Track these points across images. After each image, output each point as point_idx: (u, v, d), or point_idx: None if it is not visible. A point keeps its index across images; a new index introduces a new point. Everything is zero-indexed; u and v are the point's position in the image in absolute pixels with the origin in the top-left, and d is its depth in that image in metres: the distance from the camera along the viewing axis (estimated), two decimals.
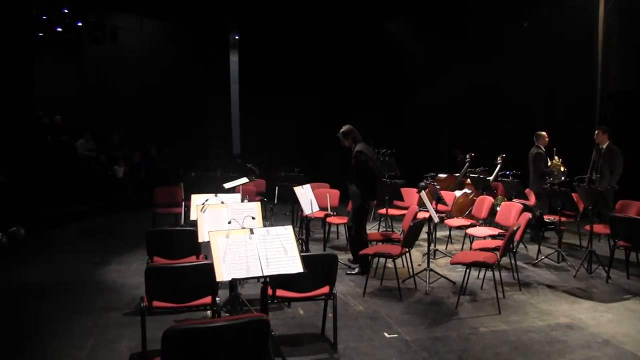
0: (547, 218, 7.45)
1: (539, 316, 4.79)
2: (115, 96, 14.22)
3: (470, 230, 6.70)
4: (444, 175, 9.60)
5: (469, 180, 8.79)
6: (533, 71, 10.19)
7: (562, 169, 7.83)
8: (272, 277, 3.42)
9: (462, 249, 7.20)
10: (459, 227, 7.23)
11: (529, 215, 5.64)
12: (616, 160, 7.30)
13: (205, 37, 15.95)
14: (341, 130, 6.24)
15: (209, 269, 3.29)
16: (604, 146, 7.42)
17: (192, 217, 5.08)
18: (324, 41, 14.00)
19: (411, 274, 5.75)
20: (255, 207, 4.64)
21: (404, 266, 6.12)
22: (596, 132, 7.57)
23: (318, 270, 3.93)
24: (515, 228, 5.18)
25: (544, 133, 8.02)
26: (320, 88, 13.83)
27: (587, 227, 6.37)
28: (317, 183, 8.20)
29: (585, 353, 4.00)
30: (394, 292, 5.38)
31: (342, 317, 4.56)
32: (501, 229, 6.63)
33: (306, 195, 6.40)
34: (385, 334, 4.35)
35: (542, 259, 6.67)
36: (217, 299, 3.80)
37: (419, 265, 6.30)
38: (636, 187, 7.56)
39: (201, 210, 4.53)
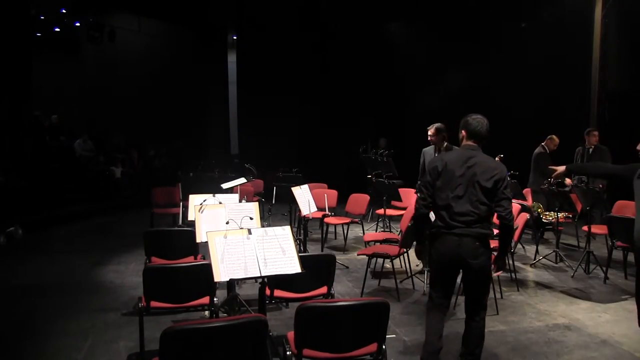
0: (544, 218, 7.44)
1: (536, 317, 4.80)
2: (114, 96, 14.20)
3: None
4: None
5: None
6: (531, 72, 10.20)
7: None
8: (270, 277, 3.42)
9: None
10: None
11: (526, 215, 5.65)
12: (606, 159, 7.31)
13: (203, 38, 15.95)
14: (438, 126, 5.92)
15: (207, 269, 3.29)
16: (592, 147, 7.42)
17: (190, 218, 5.04)
18: (322, 41, 14.02)
19: (409, 274, 5.76)
20: (253, 208, 4.64)
21: (401, 266, 6.12)
22: (586, 133, 7.55)
23: (316, 270, 3.92)
24: None
25: (556, 138, 7.82)
26: (319, 88, 13.83)
27: (585, 228, 6.38)
28: (315, 183, 8.20)
29: (583, 353, 4.00)
30: (392, 292, 5.38)
31: None
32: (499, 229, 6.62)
33: (304, 196, 6.39)
34: None
35: (540, 260, 6.68)
36: (215, 299, 3.79)
37: (417, 265, 6.29)
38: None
39: (199, 211, 4.53)
